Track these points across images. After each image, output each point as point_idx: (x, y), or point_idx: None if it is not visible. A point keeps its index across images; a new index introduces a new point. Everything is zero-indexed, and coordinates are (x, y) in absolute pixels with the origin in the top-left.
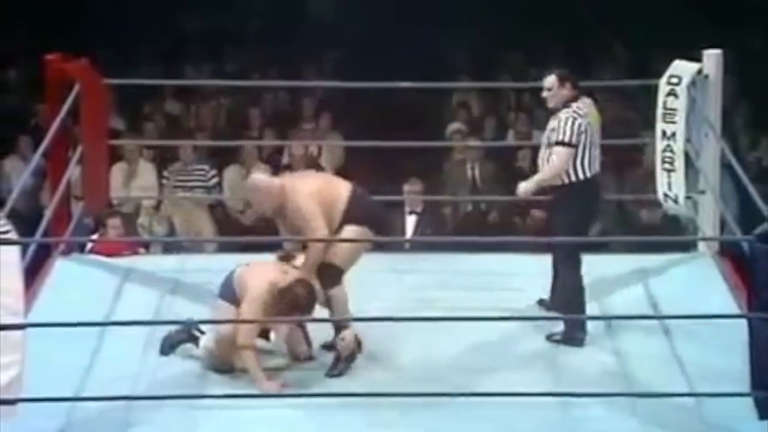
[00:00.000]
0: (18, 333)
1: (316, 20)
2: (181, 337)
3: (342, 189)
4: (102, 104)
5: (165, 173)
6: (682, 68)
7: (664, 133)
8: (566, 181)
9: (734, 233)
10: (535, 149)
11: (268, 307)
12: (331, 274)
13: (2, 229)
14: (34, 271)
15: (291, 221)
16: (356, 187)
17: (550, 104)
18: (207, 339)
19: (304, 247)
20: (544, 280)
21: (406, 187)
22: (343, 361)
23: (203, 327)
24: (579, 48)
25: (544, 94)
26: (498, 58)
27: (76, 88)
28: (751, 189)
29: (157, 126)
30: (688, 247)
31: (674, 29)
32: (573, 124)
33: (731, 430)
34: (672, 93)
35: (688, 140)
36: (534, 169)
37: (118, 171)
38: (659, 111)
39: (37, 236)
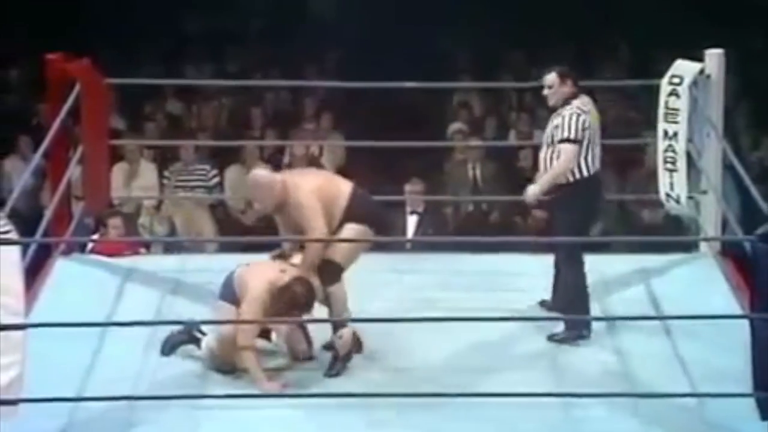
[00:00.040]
0: (19, 333)
1: (318, 20)
2: (182, 338)
3: (343, 186)
4: (103, 104)
5: (166, 173)
6: (684, 68)
7: (665, 133)
8: (571, 179)
9: (736, 233)
10: (537, 149)
11: (267, 307)
12: (330, 271)
13: (3, 229)
14: (34, 271)
15: (291, 218)
16: (357, 187)
17: (551, 102)
18: (209, 340)
19: (302, 246)
20: (546, 280)
21: (408, 187)
22: (340, 360)
23: (205, 328)
24: (582, 47)
25: (545, 91)
26: (499, 58)
27: (77, 87)
28: (753, 189)
29: (158, 126)
30: (689, 247)
31: (676, 29)
32: (577, 120)
33: (733, 431)
34: (674, 93)
35: (690, 140)
36: (536, 169)
37: (119, 171)
38: (661, 111)
39: (38, 236)
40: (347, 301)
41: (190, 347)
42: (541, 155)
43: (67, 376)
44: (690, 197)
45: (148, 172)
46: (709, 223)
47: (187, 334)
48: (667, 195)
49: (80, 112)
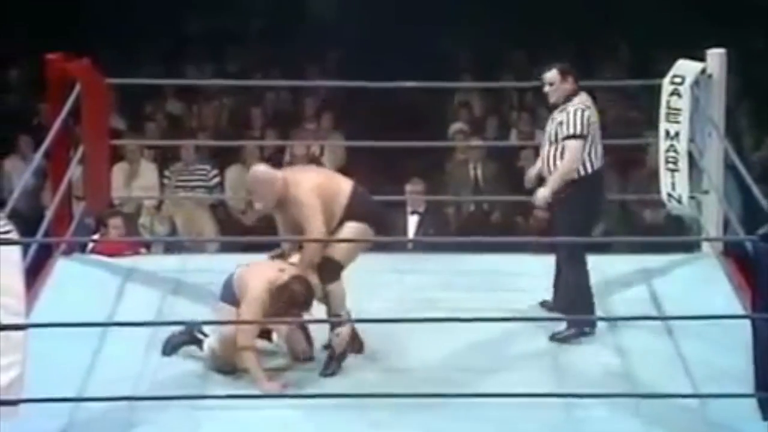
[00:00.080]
0: (19, 333)
1: (318, 20)
2: (183, 338)
3: (344, 184)
4: (103, 104)
5: (166, 173)
6: (685, 68)
7: (667, 132)
8: (575, 176)
9: (738, 233)
10: (538, 149)
11: (267, 307)
12: (330, 268)
13: (3, 229)
14: (35, 271)
15: (291, 215)
16: (357, 185)
17: (552, 99)
18: (210, 340)
19: (301, 245)
20: (548, 280)
21: (409, 187)
22: (336, 359)
23: (206, 329)
24: (582, 47)
25: (546, 89)
26: (500, 58)
27: (78, 87)
28: (755, 189)
29: (159, 126)
30: (691, 247)
31: (676, 29)
32: (582, 115)
33: (735, 431)
34: (675, 93)
35: (691, 140)
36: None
37: (119, 171)
38: (662, 111)
39: (39, 236)
40: (345, 299)
41: (192, 348)
42: (543, 153)
43: (67, 376)
44: (692, 197)
45: (148, 172)
46: (711, 223)
47: (189, 335)
48: (669, 195)
49: (81, 112)
